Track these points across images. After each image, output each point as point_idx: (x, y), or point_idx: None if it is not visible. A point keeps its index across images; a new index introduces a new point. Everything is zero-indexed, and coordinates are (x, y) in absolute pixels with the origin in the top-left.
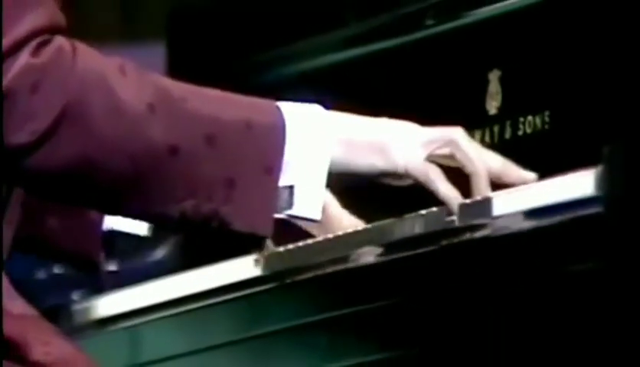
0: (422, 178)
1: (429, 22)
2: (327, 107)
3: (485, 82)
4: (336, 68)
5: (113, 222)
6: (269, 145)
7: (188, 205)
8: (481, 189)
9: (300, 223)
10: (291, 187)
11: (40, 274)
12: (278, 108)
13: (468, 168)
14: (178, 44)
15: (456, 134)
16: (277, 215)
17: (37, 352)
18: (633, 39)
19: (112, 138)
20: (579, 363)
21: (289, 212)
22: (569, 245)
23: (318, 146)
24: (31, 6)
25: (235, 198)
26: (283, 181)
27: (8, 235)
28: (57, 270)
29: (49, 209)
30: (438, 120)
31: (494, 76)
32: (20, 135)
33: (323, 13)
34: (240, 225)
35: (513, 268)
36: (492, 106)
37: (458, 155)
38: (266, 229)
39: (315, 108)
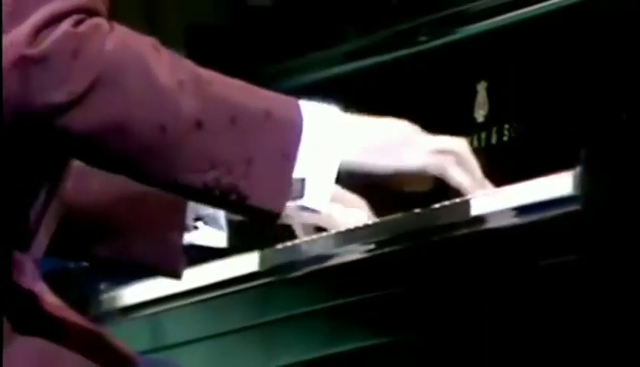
0: (439, 173)
1: (422, 38)
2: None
3: (474, 93)
4: (337, 79)
5: (193, 238)
6: (287, 135)
7: (210, 176)
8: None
9: (306, 215)
10: (302, 180)
11: (70, 267)
12: (297, 105)
13: (456, 186)
14: (195, 57)
15: (461, 145)
16: (288, 203)
17: (70, 336)
18: (603, 55)
19: (144, 107)
20: (559, 349)
21: (299, 202)
22: (550, 240)
23: (332, 145)
24: None
25: (253, 175)
26: (297, 172)
27: (44, 239)
28: (83, 263)
29: (135, 235)
30: (431, 127)
31: (481, 88)
32: (57, 94)
33: (326, 29)
34: (255, 200)
35: (499, 261)
36: (480, 114)
37: (450, 173)
38: (280, 207)
39: (333, 110)
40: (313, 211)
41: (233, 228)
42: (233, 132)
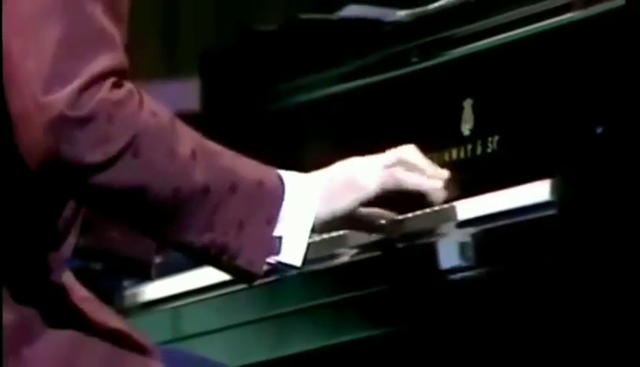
0: (393, 185)
1: (414, 60)
2: (332, 133)
3: (460, 109)
4: (337, 97)
5: None
6: (273, 202)
7: (207, 237)
8: (434, 200)
9: (284, 269)
10: (280, 237)
11: (97, 265)
12: (280, 174)
13: (414, 189)
14: (209, 78)
15: (405, 152)
16: (267, 259)
17: (98, 326)
18: (578, 74)
19: (164, 172)
20: (540, 347)
21: (277, 258)
22: (530, 242)
23: (305, 206)
24: (105, 47)
25: (242, 238)
26: (276, 232)
27: (72, 240)
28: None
29: (111, 225)
30: (421, 140)
31: (467, 104)
32: (93, 154)
33: (326, 52)
34: (242, 261)
35: (484, 261)
36: (466, 128)
37: (403, 182)
38: (259, 269)
39: (304, 176)
40: (289, 266)
41: None
42: (232, 199)
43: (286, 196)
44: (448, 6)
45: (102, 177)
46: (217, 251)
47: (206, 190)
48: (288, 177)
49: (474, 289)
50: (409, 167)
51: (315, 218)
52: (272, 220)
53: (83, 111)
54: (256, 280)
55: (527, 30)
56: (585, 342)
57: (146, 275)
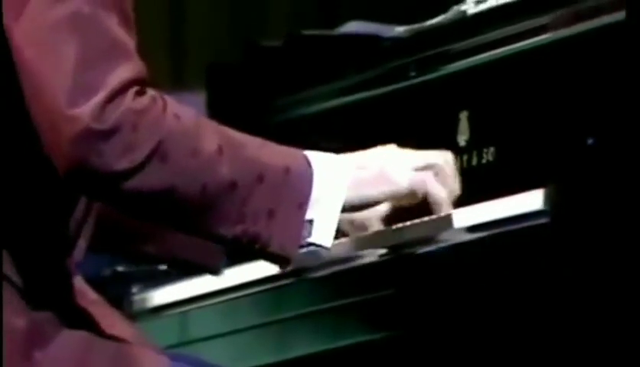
0: (423, 191)
1: (412, 74)
2: (334, 144)
3: (457, 121)
4: (339, 109)
5: None
6: (302, 187)
7: (239, 228)
8: (439, 212)
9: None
10: (311, 221)
11: (107, 272)
12: (307, 158)
13: (432, 201)
14: (215, 91)
15: (441, 159)
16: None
17: (107, 328)
18: (570, 88)
19: (190, 172)
20: (532, 351)
21: (308, 239)
22: (523, 248)
23: (334, 189)
24: (124, 58)
25: (273, 226)
26: (308, 216)
27: (83, 244)
28: (120, 268)
29: (178, 235)
30: (420, 150)
31: (463, 116)
32: (120, 163)
33: (328, 66)
34: (275, 247)
35: (481, 266)
36: (462, 139)
37: (429, 190)
38: (294, 252)
39: (333, 157)
40: (320, 247)
41: None
42: (259, 189)
43: (315, 180)
44: (445, 23)
45: (131, 183)
46: (250, 240)
47: (233, 184)
48: (317, 159)
49: (470, 294)
50: (440, 175)
51: (345, 202)
52: (302, 204)
53: (108, 123)
54: (289, 264)
55: (520, 46)
56: (577, 347)
57: (215, 272)
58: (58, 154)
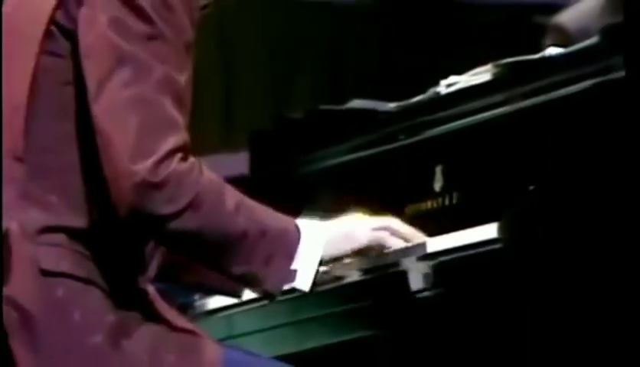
0: (379, 241)
1: (401, 137)
2: (345, 190)
3: (433, 172)
4: (348, 163)
5: None
6: (293, 243)
7: (244, 269)
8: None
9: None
10: (295, 270)
11: (175, 286)
12: (297, 224)
13: (388, 246)
14: (256, 152)
15: (389, 222)
16: (285, 286)
17: (174, 324)
18: (518, 149)
19: (217, 221)
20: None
21: (292, 284)
22: (482, 268)
23: (315, 247)
24: (174, 131)
25: (269, 269)
26: (293, 266)
27: (155, 263)
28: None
29: (204, 270)
30: (405, 194)
31: (438, 169)
32: (166, 209)
33: (336, 132)
34: (267, 286)
35: (453, 279)
36: (437, 186)
37: (387, 242)
38: (278, 291)
39: (315, 224)
40: (300, 290)
41: None
42: (262, 241)
43: (302, 240)
44: (424, 100)
45: (172, 225)
46: (251, 278)
47: (245, 234)
48: (304, 225)
49: (436, 306)
50: (394, 233)
51: (322, 256)
52: (292, 256)
53: (159, 177)
54: (275, 299)
55: (480, 118)
56: (519, 351)
57: (236, 296)
58: (120, 199)
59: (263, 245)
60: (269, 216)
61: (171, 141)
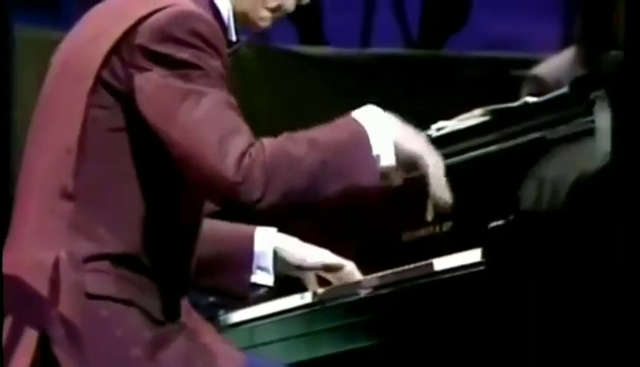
0: (428, 158)
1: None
2: None
3: (425, 204)
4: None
5: (255, 278)
6: (365, 140)
7: (339, 184)
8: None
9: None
10: (378, 155)
11: (202, 301)
12: (354, 118)
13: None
14: None
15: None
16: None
17: (203, 335)
18: (498, 184)
19: (296, 175)
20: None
21: (380, 163)
22: (469, 285)
23: (382, 128)
24: (242, 134)
25: (360, 170)
26: (374, 151)
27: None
28: (210, 299)
29: (224, 274)
30: (404, 222)
31: (430, 203)
32: (253, 193)
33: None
34: (365, 181)
35: (445, 293)
36: (429, 216)
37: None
38: (376, 180)
39: (368, 110)
40: (388, 166)
41: (284, 277)
42: (341, 155)
43: (369, 131)
44: None
45: (263, 203)
46: (349, 187)
47: (324, 162)
48: (361, 115)
49: (440, 315)
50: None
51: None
52: (369, 149)
53: (241, 172)
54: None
55: (465, 157)
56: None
57: (243, 298)
58: (219, 194)
59: (343, 157)
60: (333, 132)
61: (242, 143)
